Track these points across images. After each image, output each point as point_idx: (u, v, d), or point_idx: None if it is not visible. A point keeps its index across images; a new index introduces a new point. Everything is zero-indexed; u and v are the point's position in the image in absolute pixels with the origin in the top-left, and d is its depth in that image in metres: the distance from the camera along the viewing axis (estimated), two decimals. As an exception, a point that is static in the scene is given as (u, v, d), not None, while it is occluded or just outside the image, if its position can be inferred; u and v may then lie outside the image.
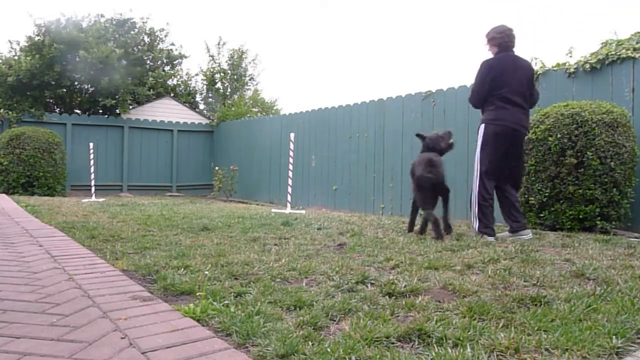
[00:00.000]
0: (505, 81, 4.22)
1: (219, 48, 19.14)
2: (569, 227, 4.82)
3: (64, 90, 12.57)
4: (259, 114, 17.15)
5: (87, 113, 13.27)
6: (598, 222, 4.75)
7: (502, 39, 4.33)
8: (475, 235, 4.16)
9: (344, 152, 9.17)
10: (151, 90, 13.99)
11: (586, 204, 4.74)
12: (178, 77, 17.07)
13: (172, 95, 15.33)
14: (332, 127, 9.53)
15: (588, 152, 4.70)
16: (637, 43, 5.34)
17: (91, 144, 10.07)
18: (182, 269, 2.69)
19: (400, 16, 40.46)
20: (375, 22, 41.34)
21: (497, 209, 4.45)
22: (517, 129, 4.27)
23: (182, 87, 17.27)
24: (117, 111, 13.11)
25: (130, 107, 13.42)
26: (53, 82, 12.18)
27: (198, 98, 19.11)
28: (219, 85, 19.24)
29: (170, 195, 12.33)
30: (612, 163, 4.66)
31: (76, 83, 13.06)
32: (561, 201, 4.87)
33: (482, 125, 4.35)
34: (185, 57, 15.85)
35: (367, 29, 42.26)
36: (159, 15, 37.53)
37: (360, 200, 8.71)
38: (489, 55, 4.45)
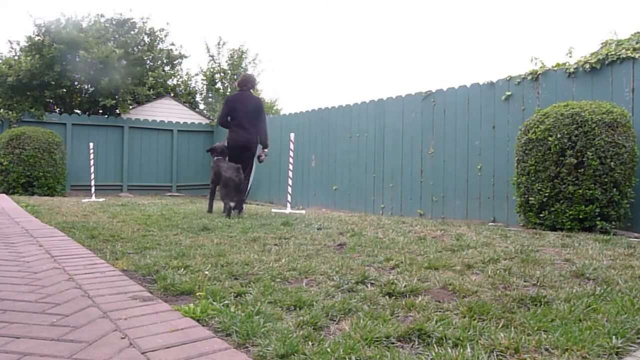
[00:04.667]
0: (238, 110, 6.14)
1: (219, 48, 19.08)
2: (569, 227, 4.82)
3: (64, 90, 12.55)
4: (259, 114, 17.08)
5: (87, 113, 13.25)
6: (598, 222, 4.74)
7: (240, 83, 6.37)
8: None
9: (343, 152, 9.17)
10: (151, 90, 13.97)
11: (586, 204, 4.74)
12: (178, 77, 17.04)
13: (172, 95, 15.31)
14: (332, 127, 9.53)
15: (588, 152, 4.70)
16: (637, 43, 5.34)
17: (91, 144, 10.05)
18: (182, 269, 2.69)
19: (400, 16, 40.45)
20: (376, 22, 41.33)
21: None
22: (246, 144, 6.17)
23: (182, 87, 17.24)
24: (117, 111, 13.10)
25: (130, 107, 13.40)
26: (53, 82, 12.17)
27: (198, 98, 19.04)
28: (219, 85, 19.20)
29: (170, 195, 12.33)
30: (612, 163, 4.65)
31: (76, 83, 13.04)
32: (561, 201, 4.87)
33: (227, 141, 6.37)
34: (185, 57, 15.84)
35: (368, 29, 42.25)
36: (159, 15, 37.54)
37: (360, 200, 8.71)
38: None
